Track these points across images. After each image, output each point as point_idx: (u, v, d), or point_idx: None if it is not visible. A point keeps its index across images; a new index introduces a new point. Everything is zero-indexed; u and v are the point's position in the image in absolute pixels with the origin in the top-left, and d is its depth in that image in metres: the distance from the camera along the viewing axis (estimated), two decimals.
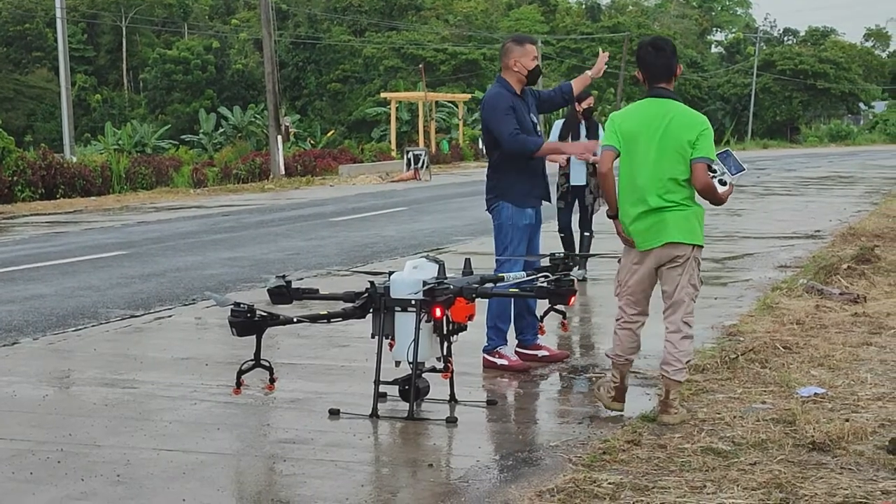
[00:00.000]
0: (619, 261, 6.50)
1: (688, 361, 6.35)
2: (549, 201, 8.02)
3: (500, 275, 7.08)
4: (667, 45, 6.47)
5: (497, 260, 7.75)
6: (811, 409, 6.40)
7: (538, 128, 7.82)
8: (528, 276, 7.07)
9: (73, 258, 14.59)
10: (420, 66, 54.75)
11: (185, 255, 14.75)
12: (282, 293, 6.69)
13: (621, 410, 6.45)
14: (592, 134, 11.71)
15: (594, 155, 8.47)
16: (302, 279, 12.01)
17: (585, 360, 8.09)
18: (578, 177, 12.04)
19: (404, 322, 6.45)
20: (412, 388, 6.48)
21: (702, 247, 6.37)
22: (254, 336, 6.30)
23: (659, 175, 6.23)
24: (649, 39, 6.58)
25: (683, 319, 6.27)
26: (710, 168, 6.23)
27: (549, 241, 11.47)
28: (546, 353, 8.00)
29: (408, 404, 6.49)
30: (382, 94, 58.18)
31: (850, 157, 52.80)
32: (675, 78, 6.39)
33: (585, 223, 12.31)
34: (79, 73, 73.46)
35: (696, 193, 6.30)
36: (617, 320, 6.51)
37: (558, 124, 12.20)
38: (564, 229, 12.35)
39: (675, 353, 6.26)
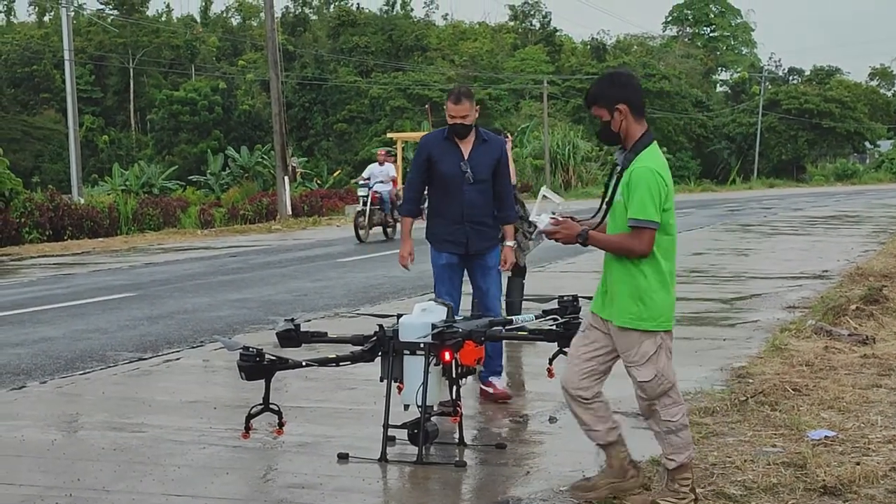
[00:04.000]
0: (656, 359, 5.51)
1: None
2: (470, 251, 8.00)
3: (509, 318, 7.09)
4: None
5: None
6: (822, 452, 6.37)
7: (466, 175, 7.83)
8: (536, 318, 7.07)
9: (81, 300, 14.60)
10: (426, 106, 54.90)
11: (192, 297, 14.76)
12: (290, 337, 6.69)
13: None
14: None
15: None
16: (310, 321, 11.99)
17: None
18: None
19: (413, 365, 6.45)
20: (421, 432, 6.46)
21: None
22: (262, 379, 6.29)
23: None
24: (623, 70, 6.03)
25: None
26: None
27: (555, 283, 11.51)
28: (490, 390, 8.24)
29: (417, 448, 6.47)
30: (389, 135, 58.19)
31: (857, 197, 52.82)
32: None
33: (519, 269, 10.82)
34: (86, 114, 73.82)
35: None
36: (674, 420, 5.56)
37: None
38: None
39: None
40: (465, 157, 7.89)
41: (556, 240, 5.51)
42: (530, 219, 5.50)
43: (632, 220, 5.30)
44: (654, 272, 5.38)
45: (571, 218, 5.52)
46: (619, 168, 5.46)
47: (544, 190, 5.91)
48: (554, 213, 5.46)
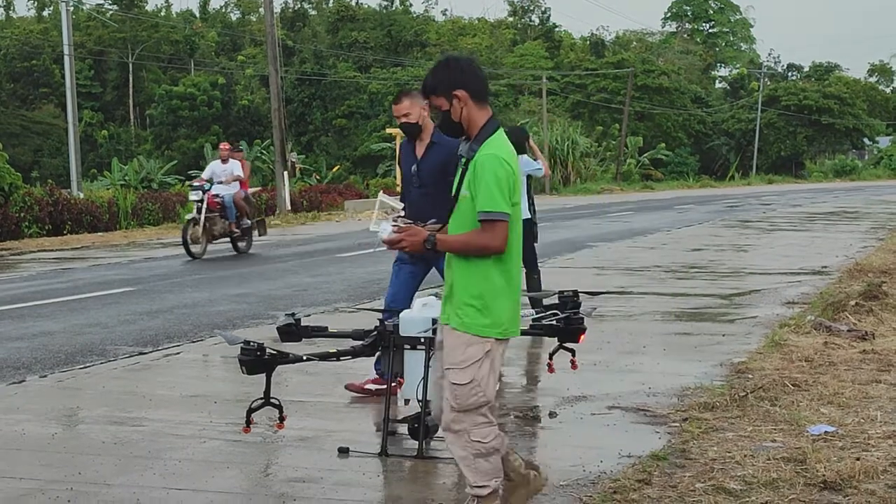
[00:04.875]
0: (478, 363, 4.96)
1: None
2: (415, 255, 7.92)
3: None
4: None
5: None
6: (822, 447, 6.38)
7: (414, 179, 7.84)
8: (537, 313, 7.08)
9: (81, 295, 14.60)
10: (425, 101, 54.83)
11: (192, 292, 14.76)
12: (291, 331, 6.69)
13: None
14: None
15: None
16: (309, 315, 12.02)
17: (597, 398, 8.07)
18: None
19: (414, 360, 6.46)
20: (422, 427, 6.47)
21: None
22: (263, 374, 6.29)
23: None
24: (459, 55, 5.51)
25: None
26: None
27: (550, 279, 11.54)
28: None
29: (417, 442, 6.48)
30: (387, 130, 58.28)
31: (855, 193, 52.84)
32: None
33: (533, 262, 11.41)
34: (85, 109, 73.75)
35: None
36: (485, 441, 4.97)
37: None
38: None
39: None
40: (418, 160, 7.86)
41: (402, 249, 5.09)
42: (370, 228, 5.23)
43: (482, 214, 4.82)
44: (501, 275, 4.93)
45: (414, 223, 5.19)
46: (464, 160, 5.00)
47: (382, 196, 5.67)
48: (396, 221, 5.15)
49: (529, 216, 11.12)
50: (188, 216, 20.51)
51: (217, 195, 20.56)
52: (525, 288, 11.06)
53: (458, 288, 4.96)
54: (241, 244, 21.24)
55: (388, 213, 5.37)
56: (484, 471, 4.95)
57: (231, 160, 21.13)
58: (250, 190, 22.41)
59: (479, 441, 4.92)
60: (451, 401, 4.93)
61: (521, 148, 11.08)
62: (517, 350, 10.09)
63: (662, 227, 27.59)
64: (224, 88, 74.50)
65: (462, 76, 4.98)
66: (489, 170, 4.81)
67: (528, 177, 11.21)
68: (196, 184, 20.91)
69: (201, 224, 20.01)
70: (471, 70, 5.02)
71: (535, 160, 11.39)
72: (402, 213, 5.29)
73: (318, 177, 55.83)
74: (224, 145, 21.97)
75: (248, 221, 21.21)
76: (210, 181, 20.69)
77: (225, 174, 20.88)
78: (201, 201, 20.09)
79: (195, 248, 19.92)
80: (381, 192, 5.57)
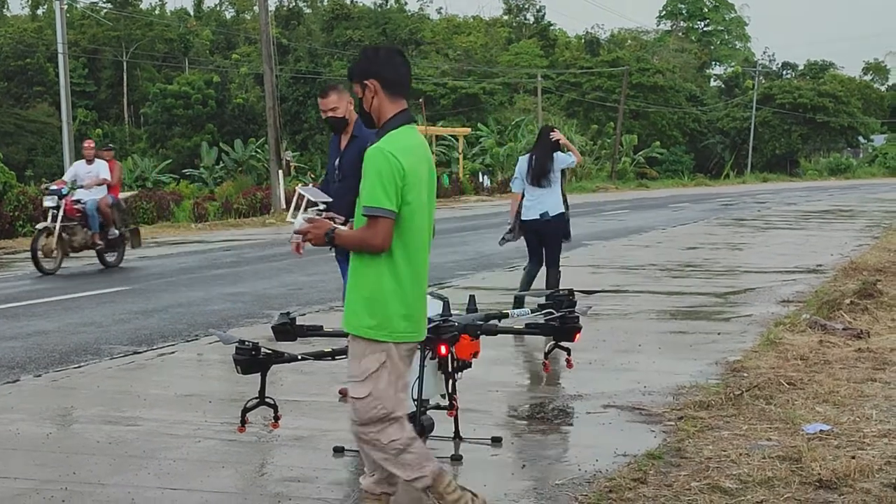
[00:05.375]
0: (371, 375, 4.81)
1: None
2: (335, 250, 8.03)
3: (505, 311, 7.09)
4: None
5: None
6: (817, 446, 6.38)
7: (336, 173, 7.85)
8: (532, 312, 7.08)
9: (75, 294, 14.58)
10: (420, 100, 54.86)
11: (187, 291, 14.74)
12: (286, 330, 6.68)
13: None
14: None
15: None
16: (304, 314, 12.01)
17: (592, 397, 8.06)
18: (550, 207, 11.40)
19: None
20: (417, 426, 6.45)
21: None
22: (258, 373, 6.28)
23: (428, 240, 5.00)
24: (385, 45, 5.41)
25: None
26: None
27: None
28: None
29: None
30: None
31: (850, 191, 52.91)
32: None
33: (553, 259, 11.57)
34: (80, 107, 73.63)
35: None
36: (396, 441, 4.85)
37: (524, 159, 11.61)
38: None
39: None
40: (341, 152, 7.88)
41: (309, 241, 5.02)
42: (288, 219, 5.23)
43: (363, 209, 4.70)
44: (392, 276, 4.77)
45: (333, 218, 5.06)
46: None
47: (301, 188, 5.64)
48: (320, 213, 5.09)
49: (563, 210, 11.45)
50: (39, 225, 17.79)
51: (78, 201, 17.80)
52: (546, 283, 11.33)
53: (350, 286, 4.85)
54: (109, 258, 18.36)
55: (310, 206, 5.39)
56: (411, 463, 4.85)
57: (98, 160, 18.24)
58: (122, 195, 19.27)
59: (392, 441, 4.84)
60: (352, 414, 4.85)
61: (556, 146, 11.43)
62: (513, 349, 10.09)
63: (657, 226, 27.60)
64: (218, 87, 74.39)
65: (375, 66, 4.87)
66: (372, 164, 4.69)
67: (562, 171, 11.42)
68: (53, 187, 17.93)
69: (56, 234, 17.17)
70: (388, 61, 4.90)
71: (567, 153, 11.52)
72: (322, 207, 5.27)
73: (312, 175, 55.79)
74: (88, 143, 18.79)
75: (117, 231, 18.29)
76: (72, 185, 18.06)
77: (89, 177, 17.99)
78: (57, 208, 17.36)
79: (47, 264, 17.10)
80: (299, 185, 5.56)
